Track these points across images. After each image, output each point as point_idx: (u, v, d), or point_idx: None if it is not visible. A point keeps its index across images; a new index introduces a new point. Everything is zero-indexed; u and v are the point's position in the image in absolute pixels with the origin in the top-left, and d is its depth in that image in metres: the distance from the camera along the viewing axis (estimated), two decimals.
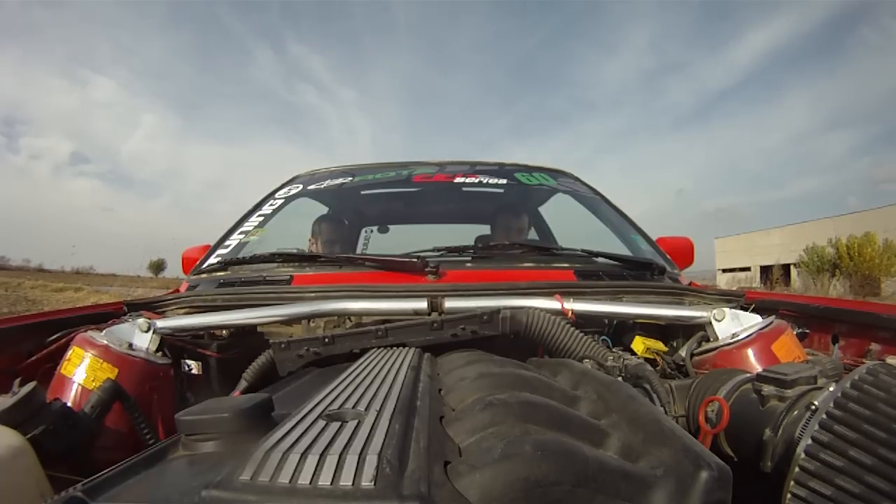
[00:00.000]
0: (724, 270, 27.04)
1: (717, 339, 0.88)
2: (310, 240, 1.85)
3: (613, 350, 0.84)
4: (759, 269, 24.21)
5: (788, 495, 0.44)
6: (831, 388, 0.50)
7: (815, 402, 0.49)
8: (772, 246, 24.14)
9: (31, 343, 0.90)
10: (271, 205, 1.65)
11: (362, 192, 1.89)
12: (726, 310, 0.90)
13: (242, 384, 0.87)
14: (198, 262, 1.41)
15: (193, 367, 0.97)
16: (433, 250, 1.24)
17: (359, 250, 2.03)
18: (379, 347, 0.75)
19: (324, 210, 1.97)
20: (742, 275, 25.01)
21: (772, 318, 0.89)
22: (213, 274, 1.28)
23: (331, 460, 0.32)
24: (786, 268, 21.66)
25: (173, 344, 0.93)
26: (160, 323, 0.90)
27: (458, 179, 1.75)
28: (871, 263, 16.52)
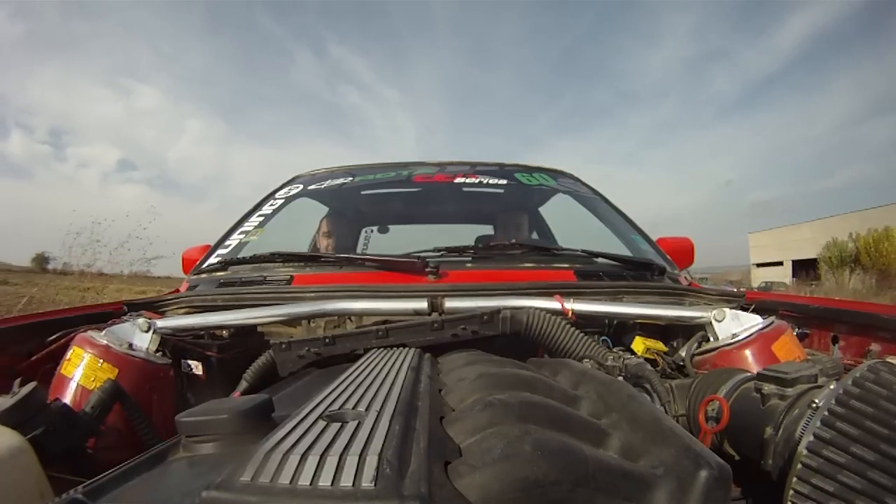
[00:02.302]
0: (759, 265, 27.60)
1: (717, 339, 0.88)
2: (312, 239, 1.85)
3: (613, 350, 0.84)
4: (790, 263, 24.68)
5: (791, 492, 0.44)
6: (832, 386, 0.50)
7: (817, 400, 0.49)
8: (802, 240, 24.44)
9: (32, 343, 0.90)
10: (271, 205, 1.65)
11: (362, 193, 1.89)
12: (726, 310, 0.90)
13: (243, 385, 0.87)
14: (198, 262, 1.41)
15: (194, 367, 0.97)
16: (433, 250, 1.24)
17: (359, 250, 2.03)
18: (379, 348, 0.75)
19: (324, 210, 1.97)
20: (776, 269, 25.43)
21: (772, 318, 0.89)
22: (213, 274, 1.28)
23: (331, 461, 0.32)
24: (815, 262, 21.72)
25: (174, 344, 0.93)
26: (160, 323, 0.90)
27: (459, 180, 1.75)
28: (887, 258, 16.78)
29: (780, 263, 26.10)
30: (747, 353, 0.83)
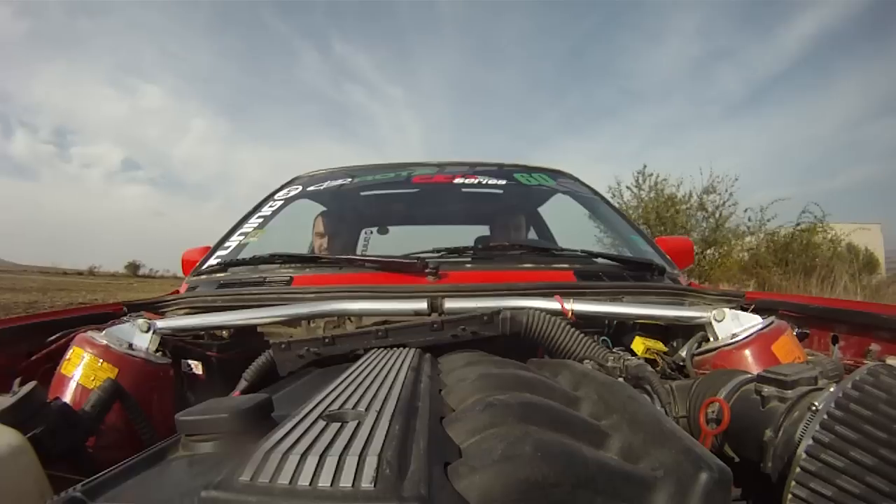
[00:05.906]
0: None
1: (716, 339, 0.88)
2: (312, 241, 1.85)
3: (614, 351, 0.84)
4: None
5: (789, 496, 0.44)
6: (832, 389, 0.50)
7: (816, 403, 0.49)
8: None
9: (32, 343, 0.90)
10: (271, 206, 1.65)
11: (362, 194, 1.89)
12: (726, 310, 0.90)
13: (242, 384, 0.87)
14: (197, 264, 1.41)
15: (194, 367, 0.97)
16: (433, 251, 1.24)
17: (358, 251, 2.03)
18: (379, 348, 0.75)
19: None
20: None
21: (772, 318, 0.89)
22: (213, 275, 1.28)
23: (331, 461, 0.32)
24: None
25: (174, 344, 0.93)
26: (160, 323, 0.90)
27: (458, 180, 1.75)
28: (708, 270, 23.73)
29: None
30: (747, 353, 0.83)
